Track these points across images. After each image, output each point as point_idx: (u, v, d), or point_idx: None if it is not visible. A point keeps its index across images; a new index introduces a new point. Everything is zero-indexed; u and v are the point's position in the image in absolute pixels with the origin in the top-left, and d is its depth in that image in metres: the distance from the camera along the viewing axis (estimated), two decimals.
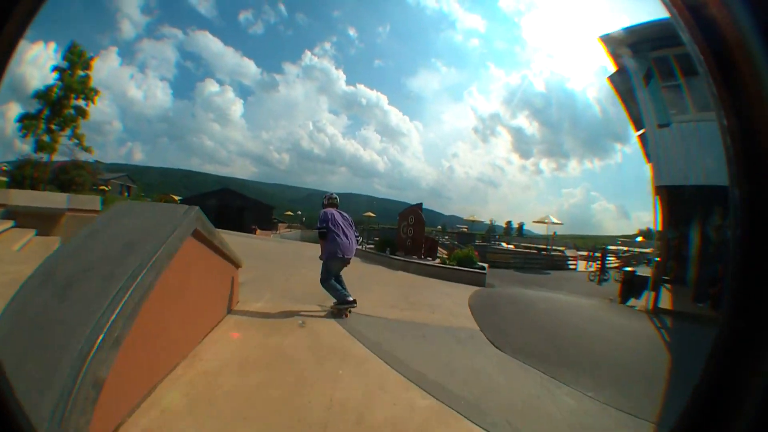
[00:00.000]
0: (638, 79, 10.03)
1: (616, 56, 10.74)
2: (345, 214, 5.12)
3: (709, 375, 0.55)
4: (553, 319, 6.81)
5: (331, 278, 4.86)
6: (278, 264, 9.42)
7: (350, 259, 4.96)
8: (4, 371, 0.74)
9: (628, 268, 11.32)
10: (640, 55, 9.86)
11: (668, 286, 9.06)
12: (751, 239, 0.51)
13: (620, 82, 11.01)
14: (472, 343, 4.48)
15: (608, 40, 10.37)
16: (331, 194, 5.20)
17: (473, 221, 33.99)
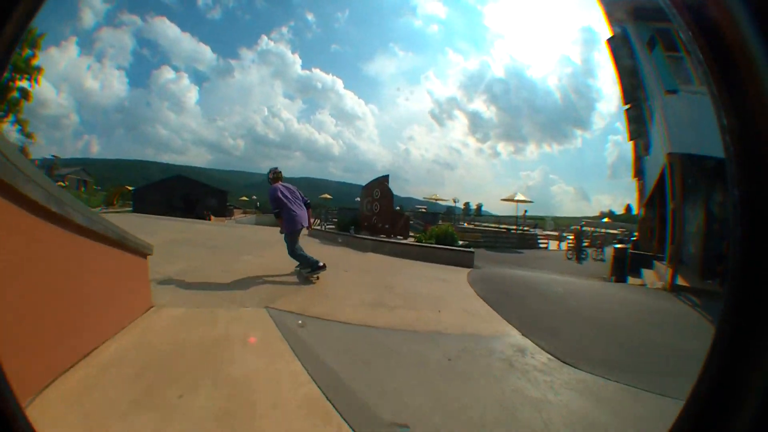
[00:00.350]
0: (641, 46, 9.74)
1: (615, 20, 10.55)
2: (290, 185, 5.55)
3: (709, 374, 0.55)
4: (586, 307, 5.50)
5: (296, 248, 5.29)
6: (222, 251, 7.86)
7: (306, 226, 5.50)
8: (4, 371, 0.74)
9: (619, 245, 11.24)
10: (642, 23, 9.66)
11: (664, 263, 8.84)
12: (751, 239, 0.51)
13: (620, 45, 10.77)
14: (534, 365, 2.79)
15: (610, 3, 10.09)
16: (275, 168, 5.40)
17: (436, 200, 31.78)
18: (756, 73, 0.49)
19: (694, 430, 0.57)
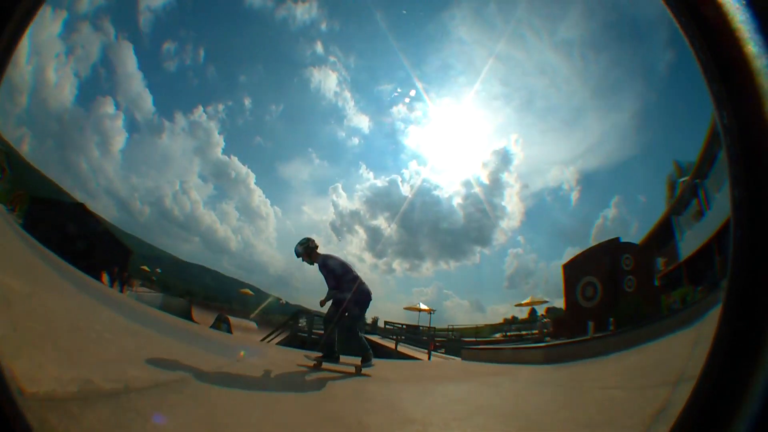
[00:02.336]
0: None
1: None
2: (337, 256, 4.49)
3: (709, 375, 0.55)
4: None
5: (356, 331, 4.15)
6: None
7: None
8: (4, 372, 0.73)
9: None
10: None
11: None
12: (751, 239, 0.51)
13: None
14: None
15: None
16: (311, 238, 4.43)
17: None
18: (756, 73, 0.49)
19: (695, 430, 0.57)
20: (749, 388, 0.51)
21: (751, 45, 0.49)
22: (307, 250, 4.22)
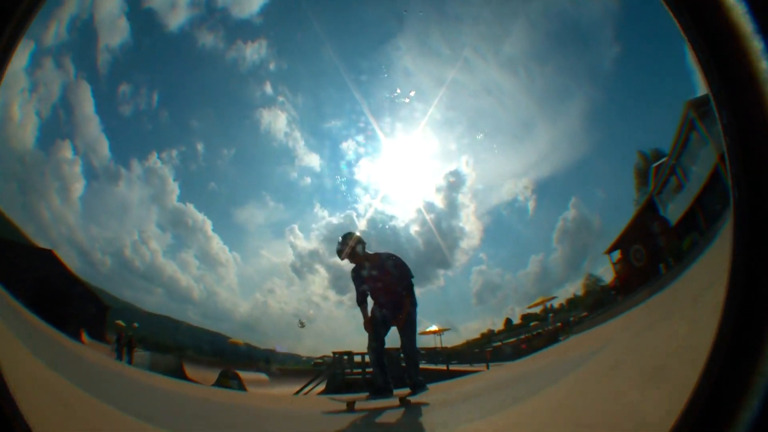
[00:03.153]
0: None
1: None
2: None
3: (710, 375, 0.55)
4: None
5: None
6: None
7: None
8: (3, 371, 0.73)
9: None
10: None
11: None
12: (751, 239, 0.51)
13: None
14: None
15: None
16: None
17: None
18: (756, 73, 0.49)
19: (695, 430, 0.57)
20: (749, 388, 0.51)
21: (751, 45, 0.49)
22: (356, 245, 3.21)
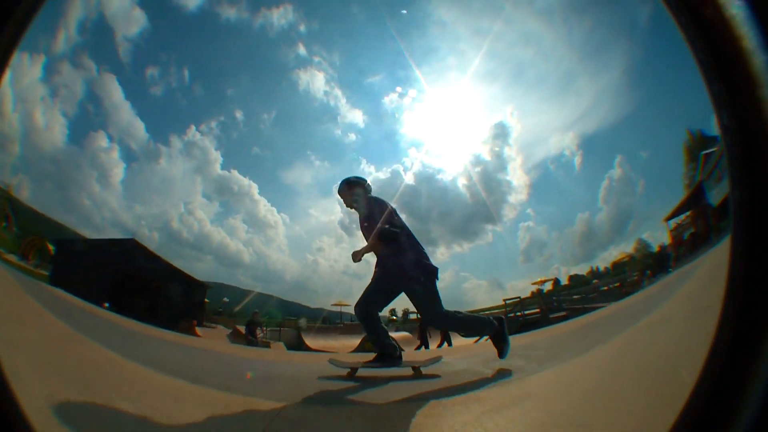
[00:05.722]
0: None
1: None
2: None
3: (709, 375, 0.55)
4: None
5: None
6: None
7: None
8: (4, 372, 0.73)
9: None
10: None
11: None
12: (751, 239, 0.51)
13: None
14: None
15: None
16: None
17: (341, 305, 28.60)
18: (755, 73, 0.49)
19: (695, 430, 0.57)
20: (749, 388, 0.51)
21: (751, 45, 0.49)
22: (365, 188, 2.98)
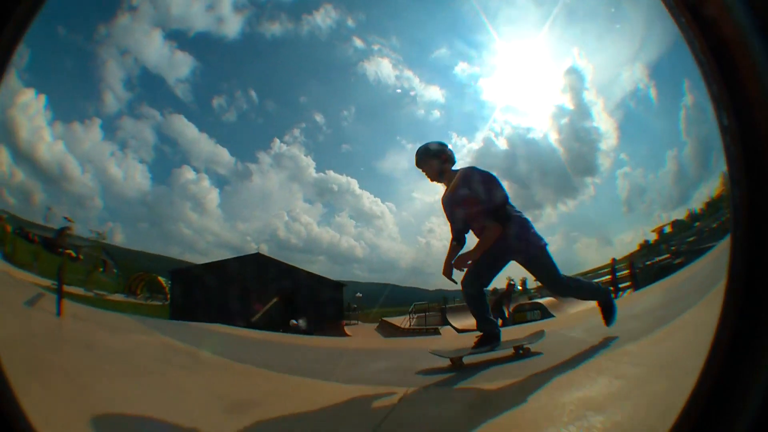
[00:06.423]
0: None
1: None
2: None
3: (709, 375, 0.55)
4: None
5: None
6: None
7: None
8: (4, 371, 0.73)
9: None
10: None
11: None
12: (751, 239, 0.51)
13: None
14: None
15: None
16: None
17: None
18: (756, 73, 0.49)
19: (695, 430, 0.57)
20: (749, 388, 0.51)
21: (751, 45, 0.49)
22: (440, 157, 2.65)
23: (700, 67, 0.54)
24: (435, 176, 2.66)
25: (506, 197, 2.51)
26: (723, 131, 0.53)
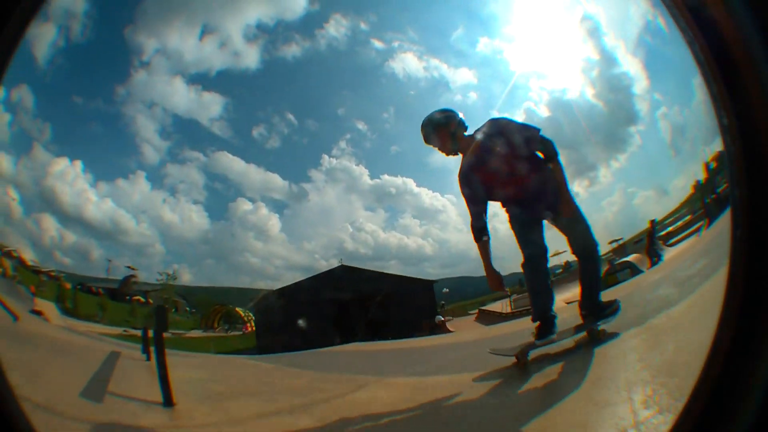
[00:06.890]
0: None
1: None
2: None
3: (710, 375, 0.55)
4: None
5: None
6: None
7: None
8: (4, 371, 0.73)
9: None
10: None
11: None
12: (751, 239, 0.51)
13: None
14: None
15: None
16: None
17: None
18: (756, 73, 0.49)
19: (695, 430, 0.57)
20: (749, 388, 0.51)
21: (751, 45, 0.49)
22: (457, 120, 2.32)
23: (700, 67, 0.54)
24: (448, 148, 2.28)
25: (538, 129, 2.15)
26: (723, 131, 0.52)
